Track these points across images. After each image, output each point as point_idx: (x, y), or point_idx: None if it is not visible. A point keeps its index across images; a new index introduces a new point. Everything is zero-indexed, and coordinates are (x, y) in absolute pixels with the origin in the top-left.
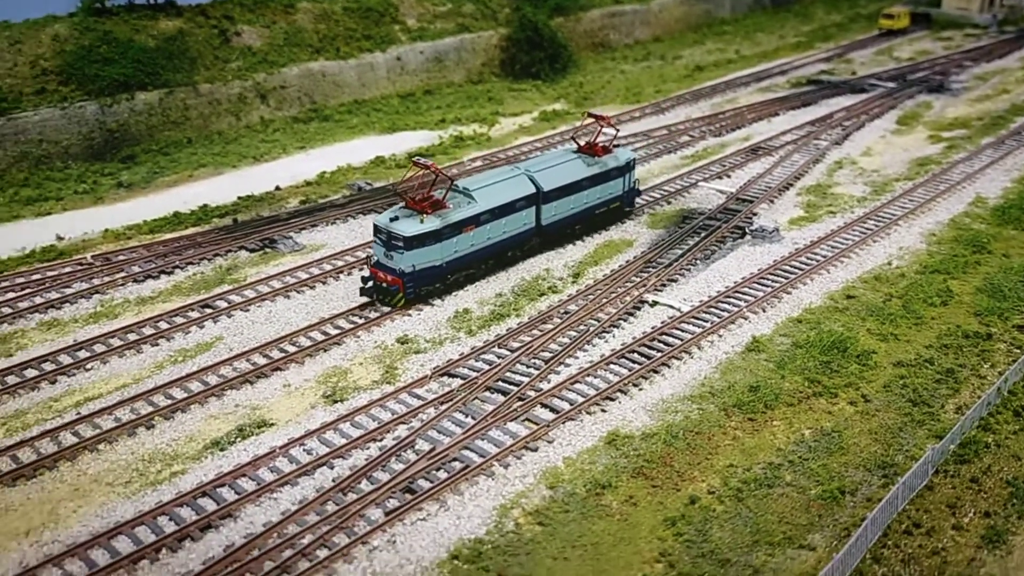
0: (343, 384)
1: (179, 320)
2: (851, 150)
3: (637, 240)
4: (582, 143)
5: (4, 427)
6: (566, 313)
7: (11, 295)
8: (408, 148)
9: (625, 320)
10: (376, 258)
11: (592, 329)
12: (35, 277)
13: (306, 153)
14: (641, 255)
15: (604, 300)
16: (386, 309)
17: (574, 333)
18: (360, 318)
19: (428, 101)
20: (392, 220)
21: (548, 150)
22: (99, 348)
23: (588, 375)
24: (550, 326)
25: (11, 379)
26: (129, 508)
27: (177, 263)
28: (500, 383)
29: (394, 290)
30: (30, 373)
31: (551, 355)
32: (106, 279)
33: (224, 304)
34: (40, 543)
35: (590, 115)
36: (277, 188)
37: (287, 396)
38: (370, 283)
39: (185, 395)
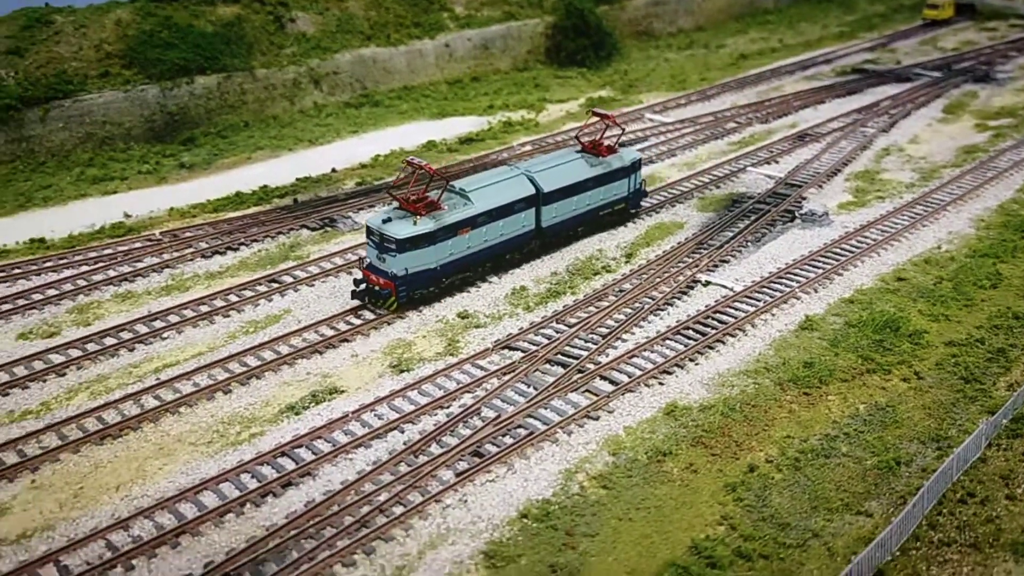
0: (408, 355)
1: (248, 293)
2: (898, 138)
3: (688, 223)
4: (586, 142)
5: (88, 391)
6: (621, 291)
7: (85, 268)
8: (458, 133)
9: (679, 299)
10: (369, 260)
11: (647, 307)
12: (107, 252)
13: (359, 137)
14: (692, 237)
15: (657, 279)
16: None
17: (629, 310)
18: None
19: (475, 87)
20: (385, 222)
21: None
22: (173, 319)
23: (645, 350)
24: (605, 303)
25: (91, 346)
26: (212, 466)
27: (242, 240)
28: (560, 356)
29: (386, 293)
30: (109, 341)
31: (608, 330)
32: (175, 254)
33: (290, 279)
34: (130, 497)
35: (595, 113)
36: (333, 170)
37: (355, 365)
38: (362, 286)
39: (259, 363)
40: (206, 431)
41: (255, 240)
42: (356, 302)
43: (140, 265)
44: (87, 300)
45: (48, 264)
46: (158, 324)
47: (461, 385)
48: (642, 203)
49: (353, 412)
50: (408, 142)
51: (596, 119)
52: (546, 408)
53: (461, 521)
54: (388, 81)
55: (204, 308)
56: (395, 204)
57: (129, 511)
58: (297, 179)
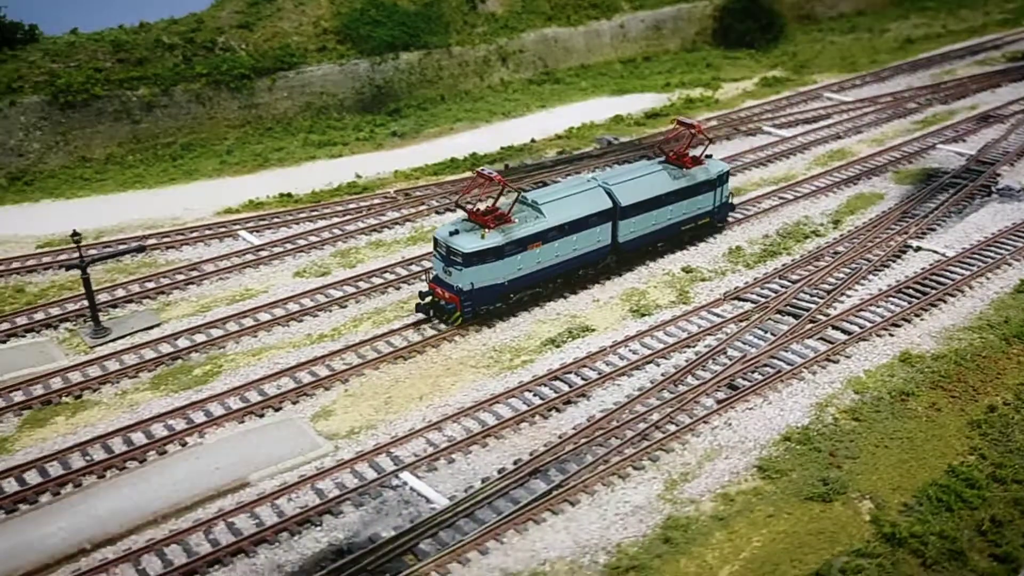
0: (643, 302)
1: None
2: None
3: (887, 194)
4: (670, 153)
5: (370, 320)
6: (836, 253)
7: (336, 220)
8: (641, 108)
9: (893, 262)
10: (435, 272)
11: (864, 267)
12: (351, 206)
13: (548, 111)
14: (895, 206)
15: (869, 243)
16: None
17: (847, 270)
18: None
19: (648, 67)
20: (452, 234)
21: (781, 110)
22: (427, 263)
23: (871, 305)
24: (823, 263)
25: (362, 284)
26: (497, 385)
27: (468, 199)
28: (789, 307)
29: (451, 308)
30: (376, 280)
31: (830, 287)
32: (411, 210)
33: None
34: (432, 406)
35: (680, 123)
36: (532, 140)
37: (598, 309)
38: (428, 298)
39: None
40: (483, 356)
41: (480, 200)
42: None
43: (383, 218)
44: (345, 247)
45: (303, 215)
46: (415, 268)
47: (701, 329)
48: (728, 217)
49: (610, 346)
50: (595, 116)
51: (680, 128)
52: (786, 351)
53: (730, 440)
54: (567, 60)
55: None
56: (464, 215)
57: (436, 416)
58: (501, 147)
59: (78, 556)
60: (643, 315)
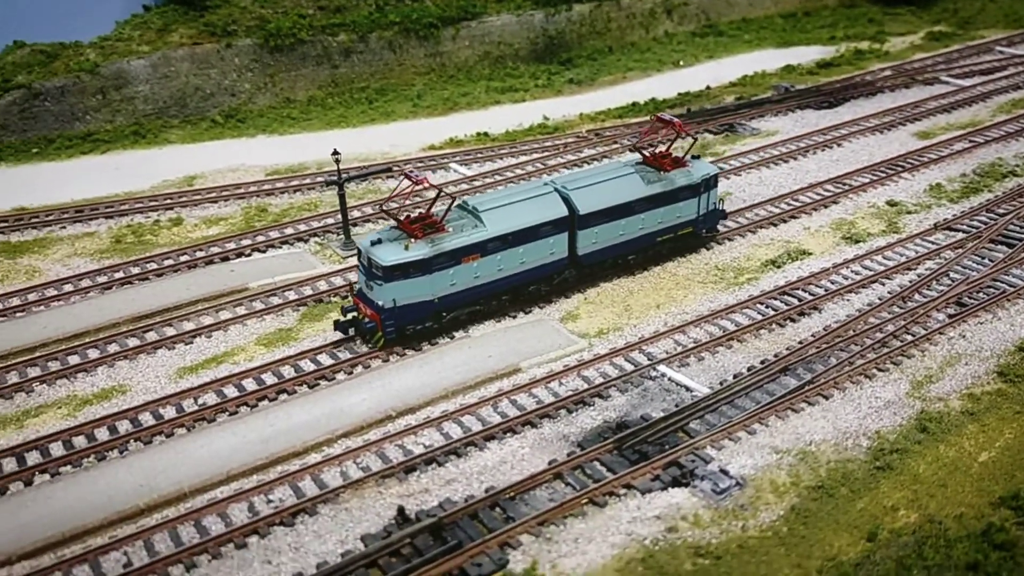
0: (854, 231)
1: None
2: None
3: None
4: (648, 153)
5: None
6: None
7: (536, 155)
8: (812, 58)
9: None
10: (359, 285)
11: None
12: (547, 144)
13: (716, 62)
14: None
15: None
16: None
17: None
18: (850, 182)
19: (809, 21)
20: (374, 244)
21: (954, 62)
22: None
23: None
24: None
25: None
26: (728, 298)
27: (648, 142)
28: (1002, 237)
29: (370, 327)
30: None
31: None
32: (605, 148)
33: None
34: (670, 313)
35: (658, 119)
36: (708, 87)
37: (811, 235)
38: (350, 315)
39: (724, 230)
40: (708, 274)
41: (668, 139)
42: (798, 184)
43: (581, 154)
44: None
45: (503, 151)
46: None
47: (918, 254)
48: (719, 227)
49: (832, 267)
50: (764, 65)
51: (661, 125)
52: (1007, 275)
53: (966, 349)
54: (729, 13)
55: None
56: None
57: (677, 322)
58: (678, 93)
59: (384, 421)
60: (856, 242)
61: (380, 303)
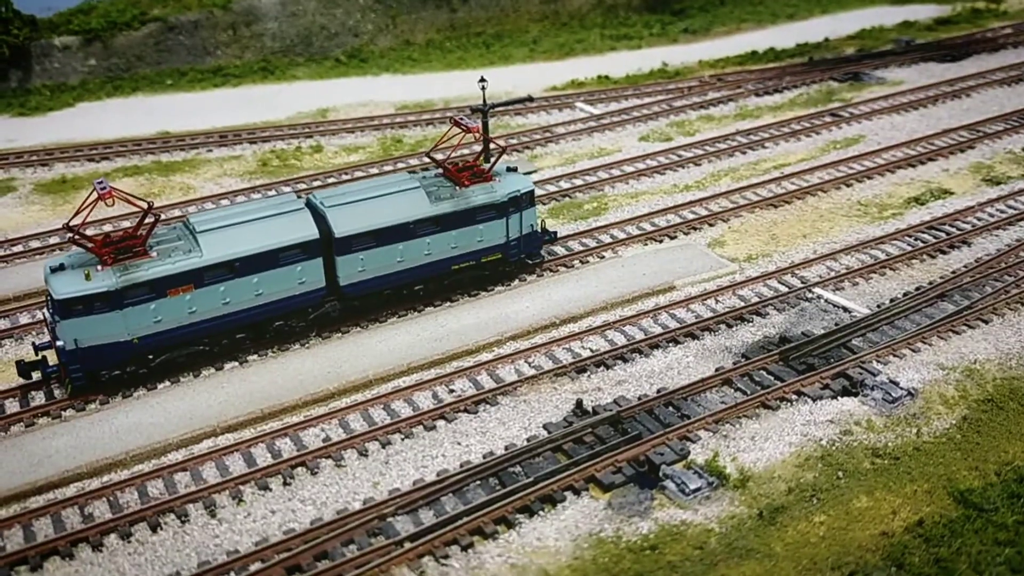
0: (994, 173)
1: (815, 123)
2: None
3: None
4: (449, 164)
5: (728, 176)
6: None
7: (660, 98)
8: (928, 15)
9: None
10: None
11: None
12: (670, 87)
13: (831, 16)
14: None
15: None
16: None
17: None
18: (984, 129)
19: None
20: (54, 271)
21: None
22: (761, 135)
23: None
24: None
25: (707, 148)
26: (874, 230)
27: (781, 86)
28: None
29: (51, 371)
30: (721, 146)
31: None
32: (729, 92)
33: (847, 115)
34: (818, 242)
35: (454, 123)
36: (826, 39)
37: (949, 177)
38: (42, 353)
39: (869, 167)
40: (850, 208)
41: (794, 86)
42: (930, 131)
43: (706, 97)
44: (678, 119)
45: (627, 93)
46: (755, 138)
47: None
48: (543, 251)
49: (977, 205)
50: (881, 20)
51: (457, 132)
52: None
53: None
54: None
55: (795, 127)
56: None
57: (826, 250)
58: (797, 44)
59: (549, 327)
60: (998, 183)
61: (60, 343)
